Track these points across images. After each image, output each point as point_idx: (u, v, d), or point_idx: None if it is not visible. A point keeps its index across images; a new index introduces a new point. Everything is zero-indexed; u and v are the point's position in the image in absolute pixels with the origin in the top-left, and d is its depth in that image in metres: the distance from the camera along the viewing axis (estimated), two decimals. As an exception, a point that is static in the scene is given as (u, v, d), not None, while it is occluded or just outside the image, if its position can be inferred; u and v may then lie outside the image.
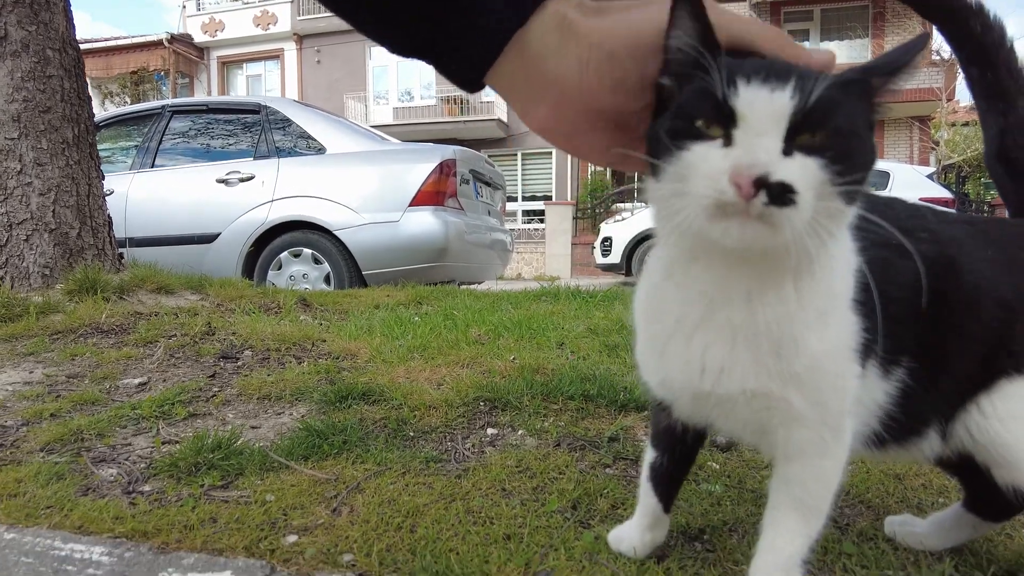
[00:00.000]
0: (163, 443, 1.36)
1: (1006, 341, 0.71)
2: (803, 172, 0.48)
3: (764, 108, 0.48)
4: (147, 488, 1.14)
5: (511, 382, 1.64)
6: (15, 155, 2.84)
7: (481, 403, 1.56)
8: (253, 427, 1.48)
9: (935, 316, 0.68)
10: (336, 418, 1.45)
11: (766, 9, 16.69)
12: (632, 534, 0.87)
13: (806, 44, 17.18)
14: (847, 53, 16.86)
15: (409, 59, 0.54)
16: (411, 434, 1.39)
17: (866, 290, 0.62)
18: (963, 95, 16.61)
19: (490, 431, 1.42)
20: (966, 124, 17.18)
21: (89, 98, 3.15)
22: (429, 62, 0.53)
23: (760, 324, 0.58)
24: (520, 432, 1.40)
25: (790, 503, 0.68)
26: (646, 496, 0.85)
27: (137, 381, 1.84)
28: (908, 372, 0.69)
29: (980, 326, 0.71)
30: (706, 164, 0.49)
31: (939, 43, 15.96)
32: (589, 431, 1.39)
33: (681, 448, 0.81)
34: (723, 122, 0.50)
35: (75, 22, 3.09)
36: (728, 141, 0.50)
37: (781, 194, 0.47)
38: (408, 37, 0.51)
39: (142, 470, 1.22)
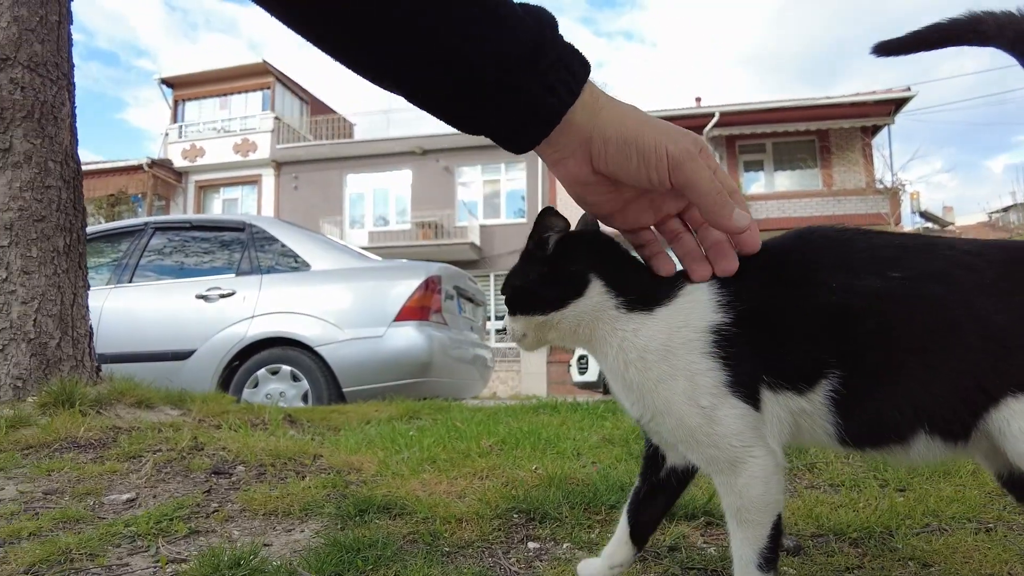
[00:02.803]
0: (168, 562, 1.20)
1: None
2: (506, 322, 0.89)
3: None
4: (159, 614, 0.99)
5: (543, 492, 1.53)
6: (2, 263, 2.75)
7: (515, 515, 1.44)
8: (265, 544, 1.33)
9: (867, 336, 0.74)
10: (358, 533, 1.32)
11: (722, 143, 17.95)
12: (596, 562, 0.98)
13: (760, 174, 18.55)
14: (799, 182, 18.08)
15: (471, 135, 0.73)
16: (446, 549, 1.26)
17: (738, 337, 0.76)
18: (907, 220, 17.72)
19: (531, 545, 1.29)
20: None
21: (84, 208, 3.11)
22: (494, 139, 0.71)
23: (611, 366, 0.83)
24: (565, 545, 1.28)
25: (727, 511, 0.79)
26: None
27: (125, 497, 1.67)
28: (840, 382, 0.74)
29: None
30: None
31: (881, 173, 17.26)
32: (640, 542, 1.28)
33: (654, 474, 0.93)
34: None
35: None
36: None
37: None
38: (476, 121, 0.70)
39: (148, 594, 1.06)
